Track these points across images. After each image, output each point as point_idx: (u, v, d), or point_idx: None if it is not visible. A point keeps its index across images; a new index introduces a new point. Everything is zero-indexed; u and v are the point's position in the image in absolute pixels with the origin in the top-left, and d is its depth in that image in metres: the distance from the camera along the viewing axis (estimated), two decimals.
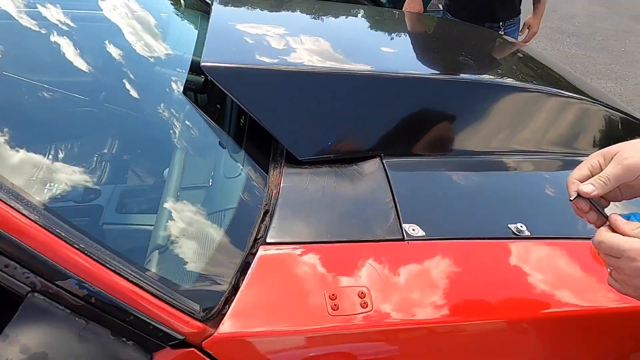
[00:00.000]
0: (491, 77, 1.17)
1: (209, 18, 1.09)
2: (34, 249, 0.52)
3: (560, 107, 1.14)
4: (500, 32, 2.03)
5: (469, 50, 1.34)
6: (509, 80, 1.15)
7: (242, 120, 0.96)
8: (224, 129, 0.95)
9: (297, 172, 0.89)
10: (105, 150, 0.86)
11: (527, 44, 2.06)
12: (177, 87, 0.93)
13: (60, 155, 0.76)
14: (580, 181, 0.56)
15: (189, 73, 0.96)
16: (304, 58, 0.97)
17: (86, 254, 0.54)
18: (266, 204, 0.81)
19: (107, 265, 0.55)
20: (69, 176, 0.73)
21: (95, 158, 0.83)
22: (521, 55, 1.51)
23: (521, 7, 2.11)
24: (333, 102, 0.95)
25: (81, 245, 0.54)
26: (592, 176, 0.56)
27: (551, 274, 0.78)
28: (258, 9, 1.28)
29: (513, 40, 1.93)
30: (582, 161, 0.58)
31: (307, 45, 1.02)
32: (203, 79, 0.94)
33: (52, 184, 0.67)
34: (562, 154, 1.09)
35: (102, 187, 0.80)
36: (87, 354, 0.54)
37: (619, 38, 4.80)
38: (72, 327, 0.54)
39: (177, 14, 1.30)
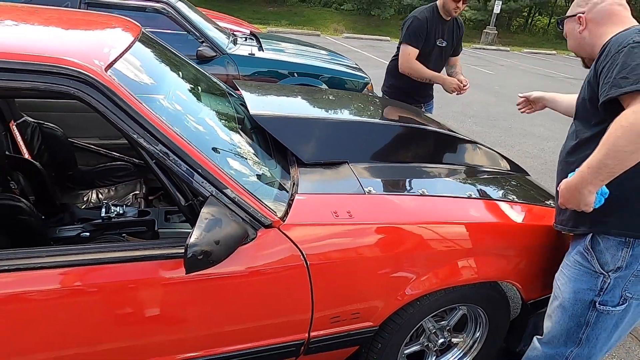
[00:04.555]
0: (410, 123, 2.07)
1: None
2: (215, 176, 1.21)
3: (449, 141, 2.04)
4: (421, 108, 3.02)
5: (398, 113, 2.26)
6: (417, 125, 2.04)
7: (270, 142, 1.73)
8: (265, 148, 1.71)
9: (304, 168, 1.64)
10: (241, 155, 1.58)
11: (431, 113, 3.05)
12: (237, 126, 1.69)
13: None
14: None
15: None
16: (305, 112, 1.79)
17: (236, 183, 1.24)
18: (293, 181, 1.54)
19: (246, 190, 1.25)
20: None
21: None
22: (425, 117, 2.46)
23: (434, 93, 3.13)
24: (323, 134, 1.75)
25: (233, 178, 1.24)
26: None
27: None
28: (265, 91, 2.12)
29: (423, 111, 2.92)
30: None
31: (304, 105, 1.85)
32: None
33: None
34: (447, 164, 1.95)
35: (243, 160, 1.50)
36: (235, 224, 1.20)
37: (506, 119, 6.23)
38: (227, 211, 1.21)
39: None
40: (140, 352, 1.23)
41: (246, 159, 1.52)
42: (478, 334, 1.82)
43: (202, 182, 1.21)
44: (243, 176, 1.37)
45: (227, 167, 1.29)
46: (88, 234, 1.84)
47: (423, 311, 1.59)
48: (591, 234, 1.33)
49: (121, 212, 1.91)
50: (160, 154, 1.18)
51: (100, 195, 2.33)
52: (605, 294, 1.31)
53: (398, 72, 2.95)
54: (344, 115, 2.02)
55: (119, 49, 1.35)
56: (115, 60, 1.26)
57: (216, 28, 4.15)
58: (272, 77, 3.83)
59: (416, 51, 2.77)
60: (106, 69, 1.18)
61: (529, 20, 19.96)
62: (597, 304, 1.32)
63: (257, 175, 1.46)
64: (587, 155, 1.21)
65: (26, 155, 2.06)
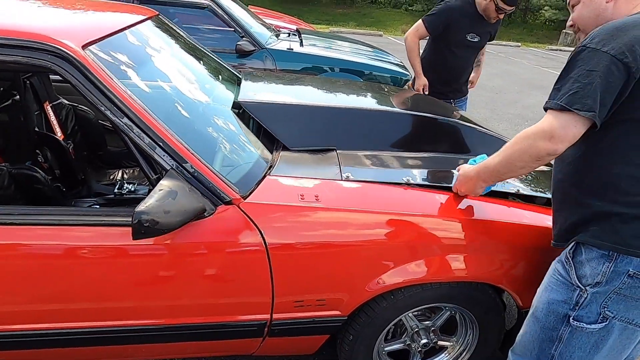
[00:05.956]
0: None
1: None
2: (176, 150, 1.26)
3: (455, 130, 1.95)
4: (450, 104, 2.91)
5: (405, 102, 2.20)
6: (418, 113, 1.99)
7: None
8: (255, 132, 1.75)
9: (288, 152, 1.65)
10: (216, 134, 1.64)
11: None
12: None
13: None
14: None
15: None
16: (298, 99, 1.80)
17: (197, 158, 1.28)
18: (271, 164, 1.55)
19: (207, 165, 1.28)
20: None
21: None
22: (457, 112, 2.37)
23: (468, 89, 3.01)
24: (309, 121, 1.75)
25: (195, 153, 1.28)
26: None
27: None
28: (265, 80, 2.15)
29: (451, 105, 2.81)
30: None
31: (301, 93, 1.85)
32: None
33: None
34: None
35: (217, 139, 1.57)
36: (192, 198, 1.24)
37: None
38: (186, 185, 1.25)
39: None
40: (93, 314, 1.31)
41: (222, 139, 1.55)
42: (469, 340, 1.71)
43: (163, 156, 1.26)
44: (210, 153, 1.40)
45: (194, 144, 1.33)
46: (98, 206, 2.00)
47: (398, 306, 1.52)
48: (574, 242, 1.20)
49: (132, 189, 2.05)
50: (125, 127, 1.25)
51: (125, 175, 2.50)
52: (580, 309, 1.16)
53: (426, 66, 2.85)
54: (340, 102, 1.99)
55: (108, 30, 1.45)
56: (98, 40, 1.36)
57: (260, 24, 4.28)
58: (310, 72, 3.87)
59: (426, 32, 2.70)
60: (84, 47, 1.27)
61: None
62: (571, 318, 1.18)
63: (228, 154, 1.49)
64: (567, 162, 1.21)
65: (59, 134, 2.27)
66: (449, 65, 2.77)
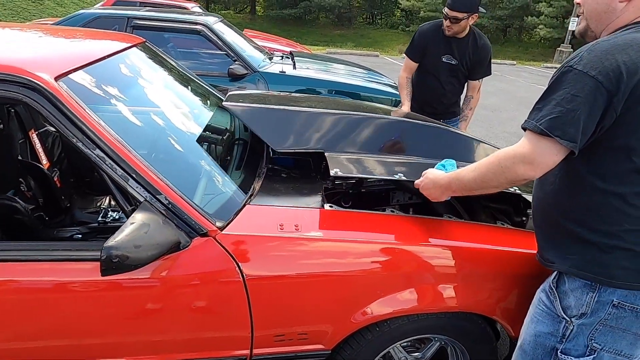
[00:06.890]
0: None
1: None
2: (149, 181, 1.23)
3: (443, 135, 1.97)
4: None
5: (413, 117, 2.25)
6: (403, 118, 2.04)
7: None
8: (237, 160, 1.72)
9: (269, 182, 1.61)
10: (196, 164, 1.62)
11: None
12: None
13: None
14: None
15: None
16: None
17: (172, 189, 1.25)
18: (252, 192, 1.52)
19: (182, 196, 1.25)
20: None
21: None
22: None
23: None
24: (298, 124, 1.74)
25: (170, 184, 1.25)
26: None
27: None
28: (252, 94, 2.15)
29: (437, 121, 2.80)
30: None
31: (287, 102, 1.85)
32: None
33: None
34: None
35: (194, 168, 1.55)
36: (165, 230, 1.20)
37: None
38: (160, 217, 1.22)
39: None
40: (65, 352, 1.26)
41: (202, 168, 1.52)
42: None
43: (136, 187, 1.23)
44: (188, 183, 1.37)
45: (170, 174, 1.30)
46: (80, 235, 1.96)
47: (384, 338, 1.46)
48: (557, 272, 1.17)
49: (117, 217, 2.01)
50: (98, 158, 1.22)
51: (112, 202, 2.46)
52: (567, 341, 1.12)
53: (414, 88, 2.86)
54: (327, 109, 1.98)
55: (86, 60, 1.44)
56: (74, 70, 1.34)
57: (254, 47, 4.31)
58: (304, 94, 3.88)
59: (411, 62, 2.78)
60: (57, 78, 1.25)
61: None
62: (558, 352, 1.13)
63: (207, 183, 1.46)
64: (548, 182, 1.17)
65: (44, 162, 2.25)
66: (431, 87, 2.81)
